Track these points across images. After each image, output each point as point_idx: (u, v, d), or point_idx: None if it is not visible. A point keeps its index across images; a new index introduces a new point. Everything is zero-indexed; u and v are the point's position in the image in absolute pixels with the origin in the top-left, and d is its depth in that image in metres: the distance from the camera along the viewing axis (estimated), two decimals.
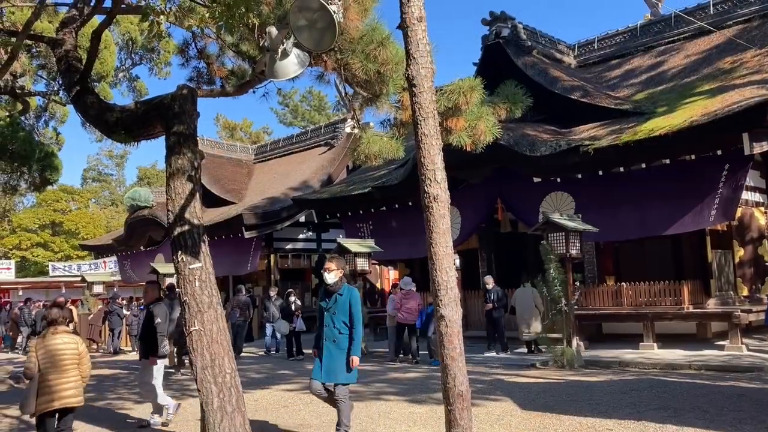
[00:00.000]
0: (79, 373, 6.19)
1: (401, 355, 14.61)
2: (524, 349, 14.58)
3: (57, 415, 6.12)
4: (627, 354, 12.98)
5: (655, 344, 13.56)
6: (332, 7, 4.84)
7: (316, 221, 23.94)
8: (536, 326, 14.11)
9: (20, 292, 32.11)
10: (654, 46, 18.89)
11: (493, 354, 14.38)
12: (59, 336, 6.14)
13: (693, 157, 12.91)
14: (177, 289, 6.64)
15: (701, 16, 17.73)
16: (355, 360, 6.72)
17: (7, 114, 17.59)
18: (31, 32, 8.78)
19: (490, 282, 15.12)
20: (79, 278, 28.48)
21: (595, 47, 20.33)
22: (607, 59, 19.84)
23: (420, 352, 14.63)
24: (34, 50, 15.73)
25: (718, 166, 12.75)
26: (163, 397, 8.41)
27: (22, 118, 18.05)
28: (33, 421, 6.38)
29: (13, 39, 8.42)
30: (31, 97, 18.01)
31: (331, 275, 6.76)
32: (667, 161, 13.27)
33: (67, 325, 6.35)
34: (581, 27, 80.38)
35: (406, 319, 14.41)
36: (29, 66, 16.19)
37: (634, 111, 14.90)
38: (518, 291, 14.65)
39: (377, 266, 23.27)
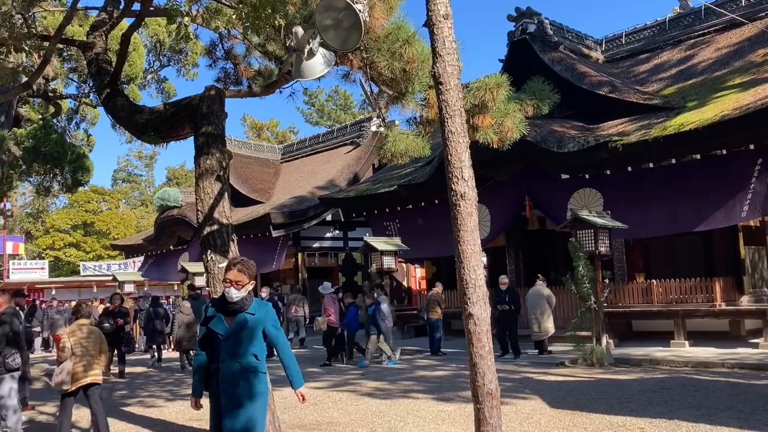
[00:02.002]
0: (101, 356, 7.13)
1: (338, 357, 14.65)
2: (535, 350, 14.11)
3: (84, 391, 7.01)
4: (658, 352, 12.82)
5: (686, 342, 13.38)
6: (358, 6, 4.85)
7: (342, 220, 24.03)
8: (547, 326, 13.87)
9: (53, 292, 32.74)
10: (683, 40, 18.58)
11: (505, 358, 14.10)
12: (85, 327, 7.06)
13: (724, 151, 12.70)
14: (207, 288, 6.72)
15: (732, 8, 17.38)
16: (303, 393, 4.66)
17: (40, 117, 17.94)
18: (63, 36, 8.94)
19: (505, 282, 14.64)
20: (110, 277, 28.95)
21: (623, 42, 20.07)
22: (636, 54, 19.57)
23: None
24: (65, 54, 16.02)
25: (750, 161, 12.52)
26: (11, 419, 7.15)
27: (55, 120, 18.41)
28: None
29: (46, 43, 8.57)
30: (62, 99, 18.35)
31: (236, 292, 4.49)
32: (698, 156, 13.06)
33: (88, 318, 7.32)
34: (609, 22, 79.55)
35: (334, 321, 14.63)
36: (61, 69, 16.49)
37: (664, 106, 14.68)
38: (531, 290, 14.51)
39: (404, 264, 23.27)
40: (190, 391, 5.06)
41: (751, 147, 12.36)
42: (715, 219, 13.03)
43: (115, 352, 13.59)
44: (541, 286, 14.19)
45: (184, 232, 25.88)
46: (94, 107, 19.57)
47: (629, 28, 20.21)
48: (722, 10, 17.21)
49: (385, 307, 14.26)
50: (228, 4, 7.40)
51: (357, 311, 14.57)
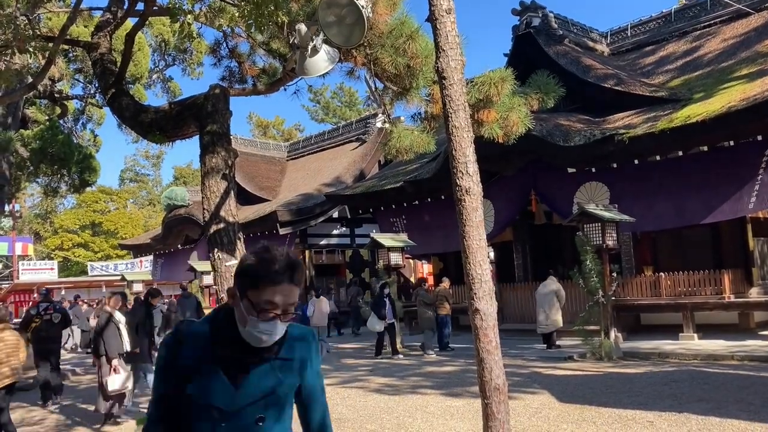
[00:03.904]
0: (19, 359, 7.84)
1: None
2: (544, 345, 14.15)
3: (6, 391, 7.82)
4: (666, 345, 12.78)
5: (695, 335, 13.33)
6: (360, 2, 4.84)
7: (349, 217, 24.05)
8: (556, 318, 13.84)
9: (63, 292, 32.86)
10: (689, 31, 18.48)
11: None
12: (7, 330, 7.80)
13: (731, 143, 12.63)
14: (214, 286, 6.73)
15: None
16: None
17: (47, 118, 18.03)
18: (68, 37, 8.96)
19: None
20: (118, 277, 29.05)
21: (629, 34, 19.97)
22: (641, 46, 19.48)
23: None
24: (70, 54, 16.09)
25: (757, 152, 12.45)
26: None
27: (61, 121, 18.49)
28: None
29: (50, 44, 8.60)
30: (68, 100, 18.44)
31: (283, 327, 1.94)
32: (705, 148, 12.99)
33: (8, 322, 8.08)
34: (614, 15, 79.15)
35: None
36: (66, 70, 16.56)
37: (670, 98, 14.60)
38: (541, 284, 14.50)
39: (411, 260, 23.28)
40: None
41: (759, 138, 12.29)
42: (723, 211, 12.97)
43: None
44: (550, 281, 14.18)
45: (192, 230, 25.95)
46: (100, 107, 19.66)
47: (634, 20, 20.14)
48: (729, 0, 17.09)
49: (309, 309, 15.28)
50: (231, 2, 7.40)
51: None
